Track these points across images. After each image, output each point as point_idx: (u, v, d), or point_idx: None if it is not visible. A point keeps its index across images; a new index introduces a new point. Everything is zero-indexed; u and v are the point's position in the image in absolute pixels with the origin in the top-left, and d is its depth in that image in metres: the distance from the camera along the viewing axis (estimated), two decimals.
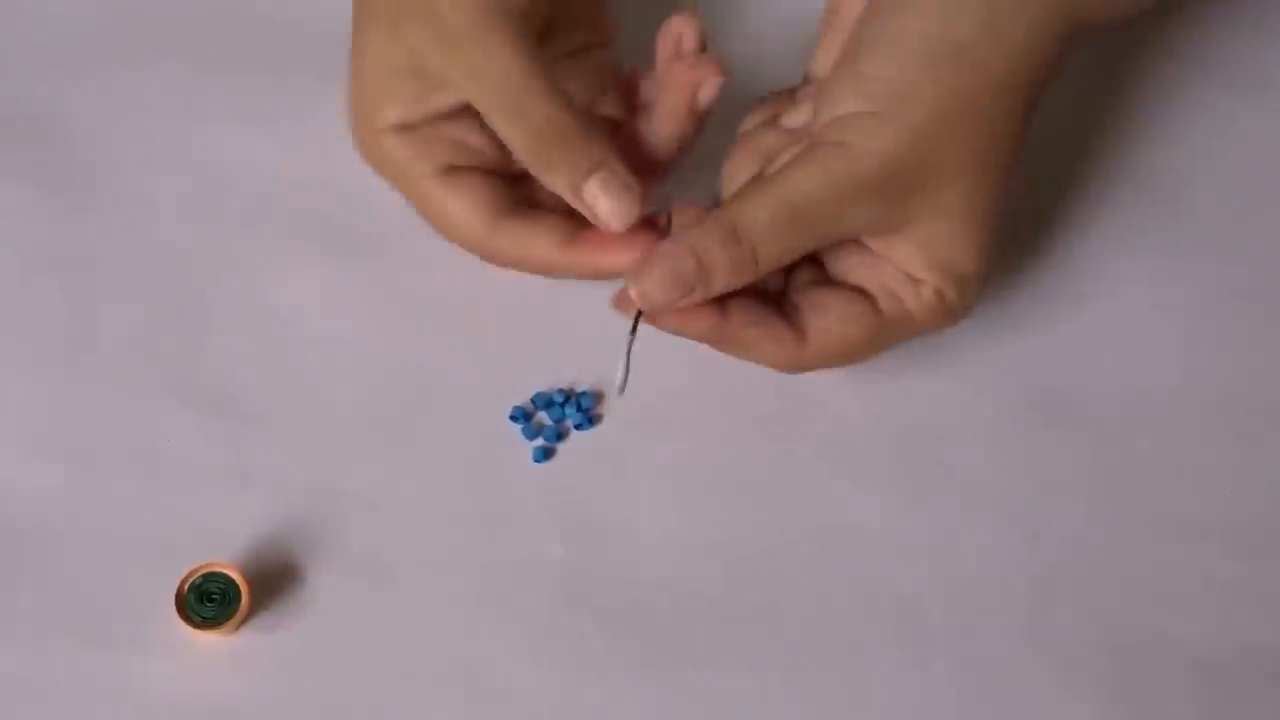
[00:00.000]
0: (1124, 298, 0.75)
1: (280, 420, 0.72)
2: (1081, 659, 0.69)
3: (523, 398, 0.72)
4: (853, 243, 0.67)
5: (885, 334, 0.67)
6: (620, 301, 0.66)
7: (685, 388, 0.73)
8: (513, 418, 0.72)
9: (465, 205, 0.69)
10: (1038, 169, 0.76)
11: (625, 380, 0.67)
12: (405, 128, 0.68)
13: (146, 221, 0.75)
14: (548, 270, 0.69)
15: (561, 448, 0.72)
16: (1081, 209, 0.76)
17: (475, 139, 0.69)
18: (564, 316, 0.74)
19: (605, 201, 0.66)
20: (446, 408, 0.72)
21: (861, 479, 0.72)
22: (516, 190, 0.70)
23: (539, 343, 0.73)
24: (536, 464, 0.71)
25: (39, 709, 0.67)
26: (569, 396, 0.72)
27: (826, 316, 0.67)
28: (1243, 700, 0.69)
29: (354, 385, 0.72)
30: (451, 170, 0.69)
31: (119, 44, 0.78)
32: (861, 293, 0.67)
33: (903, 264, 0.66)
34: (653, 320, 0.66)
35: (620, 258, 0.68)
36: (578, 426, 0.72)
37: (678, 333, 0.66)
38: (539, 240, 0.69)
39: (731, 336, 0.66)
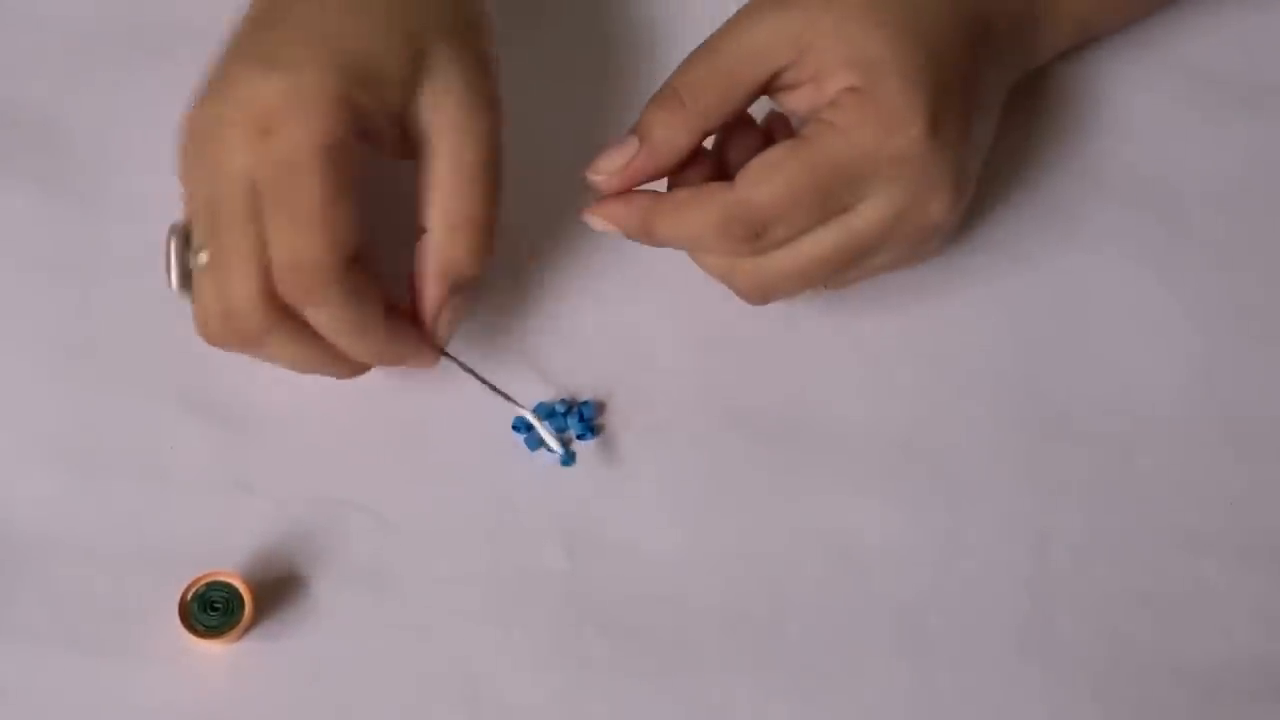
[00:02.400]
0: (1125, 309, 0.75)
1: (284, 429, 0.72)
2: (1082, 671, 0.69)
3: (525, 407, 0.72)
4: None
5: (819, 163, 0.66)
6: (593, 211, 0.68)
7: (687, 398, 0.73)
8: (515, 428, 0.72)
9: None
10: (1038, 182, 0.77)
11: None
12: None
13: (148, 226, 0.74)
14: (364, 331, 0.66)
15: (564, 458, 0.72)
16: (1080, 223, 0.76)
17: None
18: (565, 326, 0.74)
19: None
20: (449, 418, 0.72)
21: (862, 490, 0.72)
22: None
23: (540, 353, 0.73)
24: (565, 467, 0.71)
25: (41, 718, 0.67)
26: (570, 407, 0.72)
27: (754, 158, 0.66)
28: (1244, 714, 0.69)
29: (359, 394, 0.72)
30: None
31: (119, 48, 0.77)
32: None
33: (818, 82, 0.67)
34: (605, 214, 0.68)
35: (420, 360, 0.69)
36: (580, 437, 0.72)
37: (621, 223, 0.68)
38: (373, 301, 0.66)
39: (668, 209, 0.67)
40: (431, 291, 0.67)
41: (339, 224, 0.63)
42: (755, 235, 0.66)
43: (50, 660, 0.68)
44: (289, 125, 0.63)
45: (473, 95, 0.67)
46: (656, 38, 0.79)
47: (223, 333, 0.65)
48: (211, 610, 0.67)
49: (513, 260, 0.75)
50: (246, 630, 0.67)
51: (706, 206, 0.67)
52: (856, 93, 0.66)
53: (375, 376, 0.72)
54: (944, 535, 0.71)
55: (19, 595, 0.69)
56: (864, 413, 0.73)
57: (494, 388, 0.70)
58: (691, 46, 0.68)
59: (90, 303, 0.73)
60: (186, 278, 0.66)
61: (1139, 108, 0.78)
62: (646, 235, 0.68)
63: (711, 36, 0.68)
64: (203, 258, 0.65)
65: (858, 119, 0.66)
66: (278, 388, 0.72)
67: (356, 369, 0.68)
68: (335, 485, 0.71)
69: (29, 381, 0.72)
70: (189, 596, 0.67)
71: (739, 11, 0.68)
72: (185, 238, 0.66)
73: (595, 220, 0.69)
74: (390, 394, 0.72)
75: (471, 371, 0.70)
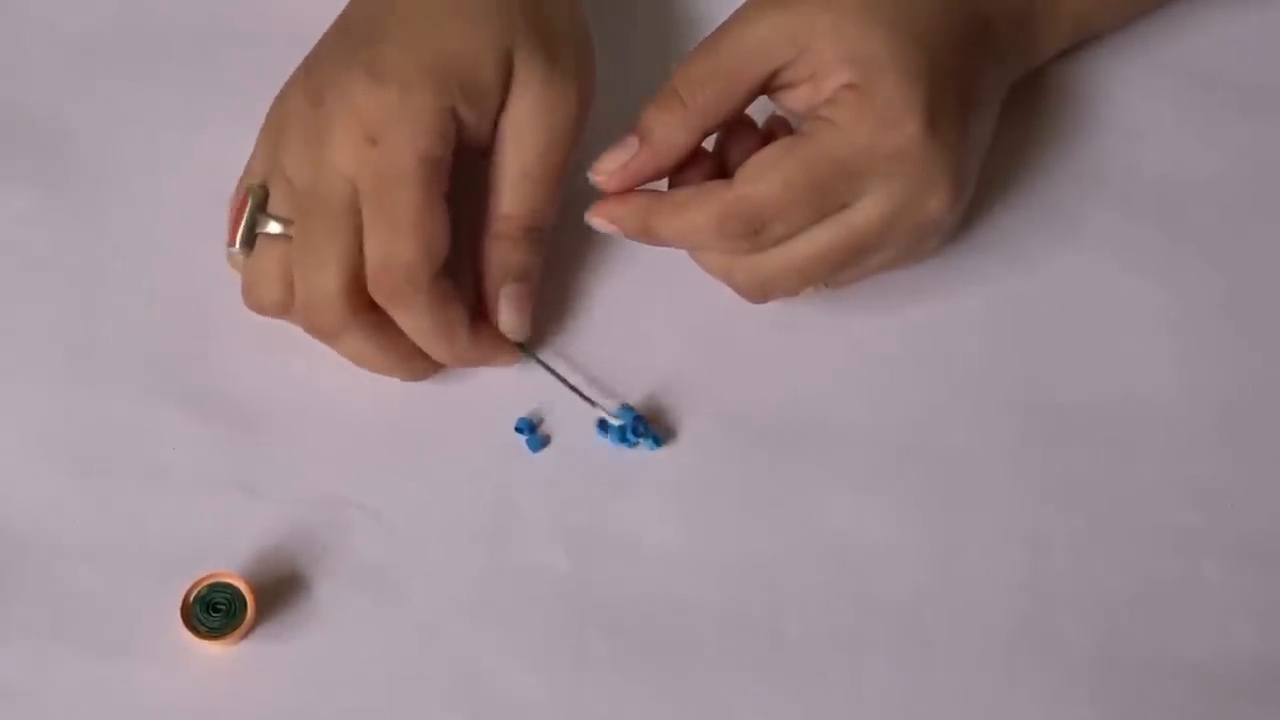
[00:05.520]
0: (1123, 310, 0.75)
1: (286, 430, 0.72)
2: (1080, 670, 0.70)
3: (527, 409, 0.72)
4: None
5: (817, 160, 0.66)
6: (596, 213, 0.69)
7: (688, 400, 0.73)
8: (518, 429, 0.72)
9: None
10: (1037, 182, 0.77)
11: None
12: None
13: (150, 228, 0.74)
14: (450, 335, 0.70)
15: (565, 460, 0.72)
16: (1079, 223, 0.76)
17: None
18: (565, 326, 0.74)
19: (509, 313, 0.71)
20: (452, 419, 0.72)
21: (861, 490, 0.72)
22: None
23: (540, 353, 0.73)
24: (651, 450, 0.72)
25: (42, 718, 0.67)
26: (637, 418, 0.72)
27: (752, 156, 0.67)
28: (1242, 713, 0.69)
29: (360, 395, 0.72)
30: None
31: (122, 51, 0.77)
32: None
33: (816, 81, 0.67)
34: (606, 213, 0.69)
35: (503, 359, 0.72)
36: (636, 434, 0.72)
37: (621, 222, 0.68)
38: (458, 308, 0.70)
39: (668, 208, 0.68)
40: (488, 285, 0.71)
41: (433, 232, 0.67)
42: (754, 232, 0.67)
43: (52, 661, 0.68)
44: (394, 137, 0.66)
45: (541, 102, 0.69)
46: (666, 38, 0.79)
47: (307, 321, 0.69)
48: (213, 611, 0.67)
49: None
50: (248, 631, 0.68)
51: (705, 205, 0.67)
52: (854, 90, 0.66)
53: (380, 377, 0.72)
54: (942, 535, 0.72)
55: (20, 596, 0.69)
56: (863, 413, 0.73)
57: (575, 388, 0.71)
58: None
59: (91, 303, 0.74)
60: (250, 239, 0.69)
61: (1139, 108, 0.78)
62: (646, 234, 0.68)
63: (710, 36, 0.68)
64: (273, 226, 0.68)
65: (855, 116, 0.66)
66: (279, 388, 0.72)
67: (423, 372, 0.71)
68: (337, 486, 0.71)
69: (29, 381, 0.72)
70: (191, 597, 0.67)
71: (737, 11, 0.68)
72: (260, 202, 0.69)
73: (596, 220, 0.69)
74: (392, 395, 0.72)
75: (552, 371, 0.71)
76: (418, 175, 0.66)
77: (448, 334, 0.69)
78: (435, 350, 0.70)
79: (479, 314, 0.71)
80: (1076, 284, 0.75)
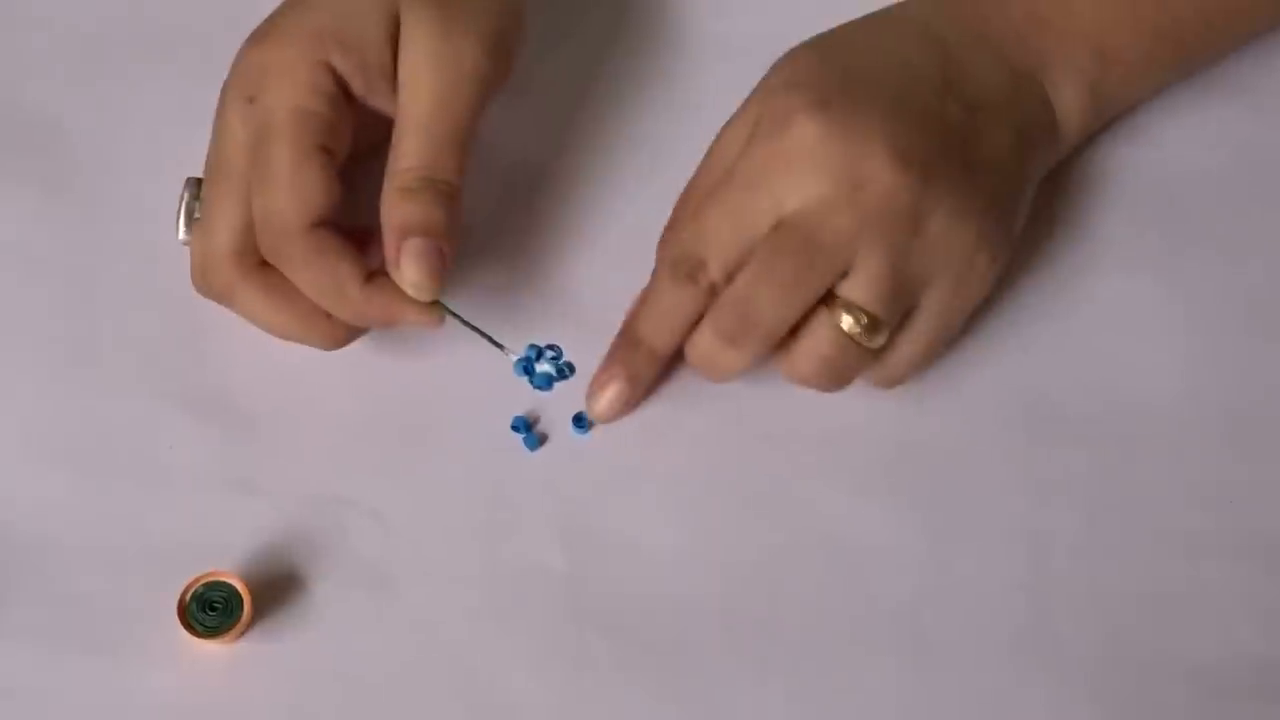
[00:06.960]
0: (1124, 310, 0.75)
1: (283, 429, 0.72)
2: (1081, 673, 0.69)
3: (524, 407, 0.72)
4: None
5: (718, 194, 0.68)
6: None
7: (686, 399, 0.73)
8: (515, 428, 0.72)
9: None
10: (1039, 180, 0.77)
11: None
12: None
13: (148, 229, 0.74)
14: (337, 289, 0.68)
15: (562, 458, 0.72)
16: (1080, 221, 0.76)
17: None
18: (566, 326, 0.74)
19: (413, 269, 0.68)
20: (449, 417, 0.72)
21: (861, 491, 0.72)
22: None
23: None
24: (540, 390, 0.73)
25: (40, 717, 0.68)
26: (540, 352, 0.73)
27: None
28: (1243, 713, 0.69)
29: (357, 394, 0.72)
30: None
31: (121, 53, 0.78)
32: None
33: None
34: (606, 377, 0.72)
35: (411, 315, 0.68)
36: (578, 424, 0.72)
37: (617, 368, 0.72)
38: (344, 261, 0.68)
39: (635, 309, 0.70)
40: (385, 239, 0.68)
41: (306, 184, 0.67)
42: (697, 267, 0.68)
43: (50, 660, 0.68)
44: (268, 92, 0.67)
45: (433, 53, 0.69)
46: (660, 38, 0.79)
47: (201, 284, 0.70)
48: (210, 610, 0.67)
49: (511, 259, 0.75)
50: (245, 630, 0.68)
51: (654, 278, 0.70)
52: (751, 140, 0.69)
53: (376, 375, 0.72)
54: (942, 535, 0.71)
55: (18, 595, 0.69)
56: (863, 413, 0.73)
57: (485, 335, 0.70)
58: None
59: (90, 303, 0.74)
60: (191, 226, 0.70)
61: (1140, 106, 0.78)
62: (638, 349, 0.71)
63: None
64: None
65: (744, 150, 0.68)
66: (277, 387, 0.72)
67: (332, 337, 0.69)
68: (334, 485, 0.71)
69: (29, 381, 0.73)
70: (188, 596, 0.67)
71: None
72: (194, 189, 0.71)
73: (601, 404, 0.72)
74: (389, 393, 0.72)
75: (462, 319, 0.70)
76: (288, 127, 0.66)
77: (335, 288, 0.67)
78: (329, 305, 0.68)
79: (379, 274, 0.68)
80: (1077, 282, 0.75)
